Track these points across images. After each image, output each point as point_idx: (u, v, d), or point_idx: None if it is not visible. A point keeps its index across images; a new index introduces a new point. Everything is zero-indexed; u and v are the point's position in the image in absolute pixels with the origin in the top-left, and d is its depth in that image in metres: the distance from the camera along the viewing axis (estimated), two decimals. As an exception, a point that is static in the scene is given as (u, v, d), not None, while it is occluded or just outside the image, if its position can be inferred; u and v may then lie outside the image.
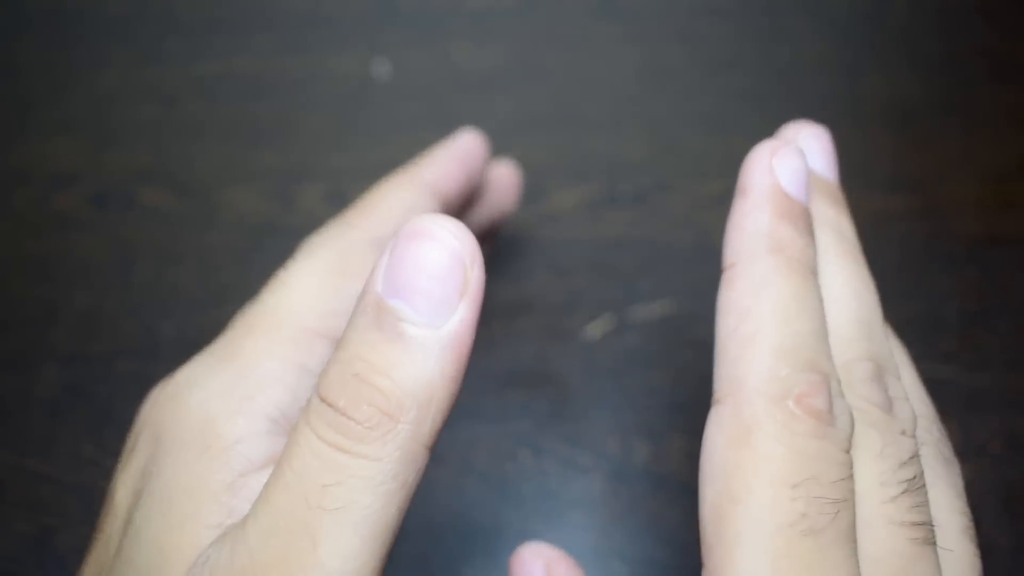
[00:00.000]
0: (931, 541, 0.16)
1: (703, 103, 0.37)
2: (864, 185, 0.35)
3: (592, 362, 0.30)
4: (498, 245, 0.33)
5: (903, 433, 0.17)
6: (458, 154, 0.25)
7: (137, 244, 0.34)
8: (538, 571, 0.21)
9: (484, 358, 0.31)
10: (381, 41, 0.40)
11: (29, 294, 0.33)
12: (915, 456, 0.17)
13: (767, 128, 0.38)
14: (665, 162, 0.36)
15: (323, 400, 0.15)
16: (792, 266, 0.17)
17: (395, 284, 0.15)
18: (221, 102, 0.38)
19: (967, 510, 0.17)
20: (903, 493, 0.16)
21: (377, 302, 0.15)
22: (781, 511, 0.14)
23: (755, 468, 0.15)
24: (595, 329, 0.31)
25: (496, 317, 0.32)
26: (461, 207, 0.26)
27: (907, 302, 0.32)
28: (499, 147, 0.36)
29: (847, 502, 0.15)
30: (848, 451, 0.16)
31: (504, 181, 0.29)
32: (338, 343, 0.16)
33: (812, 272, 0.17)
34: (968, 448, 0.29)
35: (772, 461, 0.15)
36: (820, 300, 0.17)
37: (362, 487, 0.15)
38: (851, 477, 0.15)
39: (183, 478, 0.17)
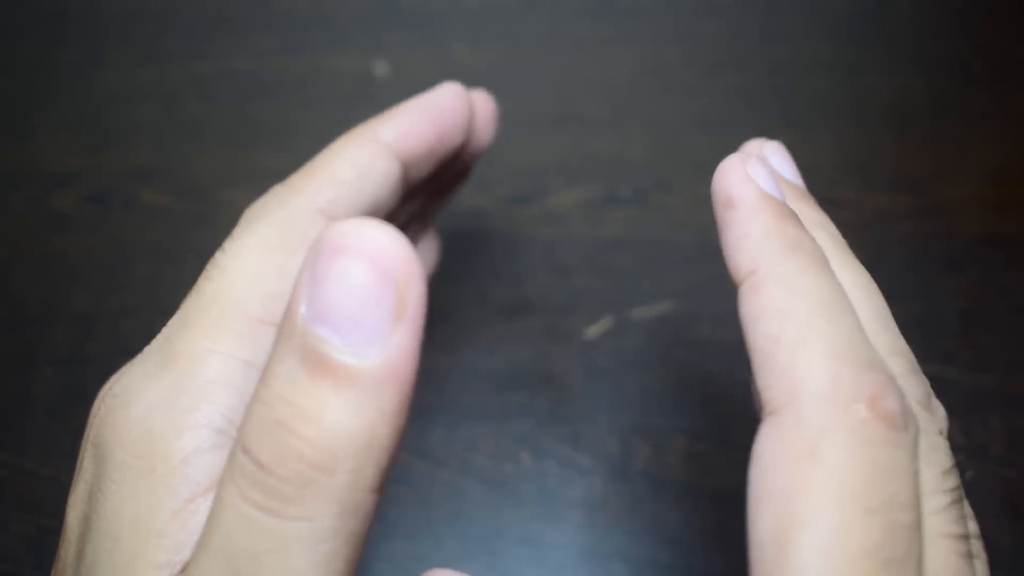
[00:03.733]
0: (973, 554, 0.15)
1: (703, 103, 0.37)
2: (865, 185, 0.35)
3: (592, 362, 0.30)
4: (496, 242, 0.33)
5: (940, 433, 0.16)
6: (428, 109, 0.22)
7: (136, 244, 0.34)
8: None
9: (484, 358, 0.31)
10: (381, 41, 0.40)
11: (28, 294, 0.33)
12: (955, 463, 0.16)
13: (767, 128, 0.38)
14: (665, 162, 0.36)
15: (246, 453, 0.13)
16: (816, 262, 0.16)
17: (319, 308, 0.13)
18: (221, 102, 0.38)
19: (972, 514, 0.16)
20: (952, 503, 0.15)
21: (301, 330, 0.13)
22: (857, 539, 0.13)
23: (826, 487, 0.13)
24: (595, 329, 0.31)
25: (496, 317, 0.32)
26: (436, 172, 0.23)
27: (908, 302, 0.32)
28: (499, 147, 0.36)
29: (919, 525, 0.14)
30: (915, 459, 0.14)
31: (478, 112, 0.25)
32: (262, 374, 0.14)
33: (830, 268, 0.16)
34: (969, 448, 0.29)
35: (845, 478, 0.13)
36: (847, 296, 0.16)
37: (299, 552, 0.13)
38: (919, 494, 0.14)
39: (128, 510, 0.16)
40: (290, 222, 0.19)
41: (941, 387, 0.30)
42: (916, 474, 0.14)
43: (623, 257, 0.33)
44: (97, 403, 0.18)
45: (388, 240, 0.13)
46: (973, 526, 0.16)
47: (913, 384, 0.17)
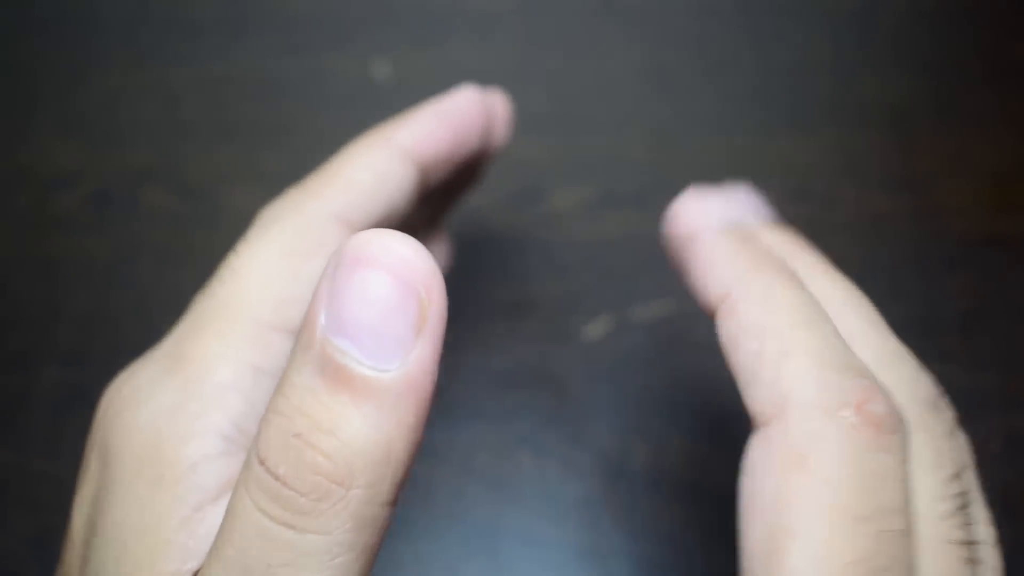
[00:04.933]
0: (979, 560, 0.15)
1: (703, 103, 0.37)
2: (863, 185, 0.35)
3: (592, 362, 0.30)
4: (496, 242, 0.33)
5: (951, 435, 0.16)
6: (448, 113, 0.21)
7: (139, 244, 0.34)
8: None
9: (484, 358, 0.31)
10: (381, 41, 0.40)
11: (30, 294, 0.33)
12: (967, 465, 0.16)
13: (767, 128, 0.38)
14: (665, 162, 0.36)
15: (262, 464, 0.13)
16: (785, 276, 0.16)
17: (338, 320, 0.13)
18: (221, 102, 0.38)
19: (991, 519, 0.16)
20: (957, 509, 0.15)
21: (320, 340, 0.13)
22: (847, 548, 0.13)
23: (816, 496, 0.13)
24: (595, 329, 0.31)
25: (496, 317, 0.32)
26: (454, 177, 0.23)
27: (906, 302, 0.32)
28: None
29: (910, 531, 0.14)
30: (905, 463, 0.14)
31: (494, 114, 0.24)
32: (278, 385, 0.14)
33: (799, 280, 0.17)
34: (968, 448, 0.29)
35: (833, 487, 0.13)
36: (821, 305, 0.16)
37: (313, 564, 0.13)
38: (909, 498, 0.14)
39: (135, 517, 0.15)
40: (305, 226, 0.18)
41: (940, 387, 0.30)
42: (906, 479, 0.14)
43: (623, 257, 0.33)
44: (104, 404, 0.18)
45: (410, 252, 0.13)
46: (984, 531, 0.16)
47: (919, 385, 0.17)
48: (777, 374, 0.15)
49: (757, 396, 0.15)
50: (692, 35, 0.40)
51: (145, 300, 0.32)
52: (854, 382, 0.15)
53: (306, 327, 0.13)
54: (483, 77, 0.38)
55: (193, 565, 0.15)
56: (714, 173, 0.36)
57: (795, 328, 0.15)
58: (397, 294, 0.13)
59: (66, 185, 0.36)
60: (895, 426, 0.14)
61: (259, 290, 0.17)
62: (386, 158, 0.20)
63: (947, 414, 0.17)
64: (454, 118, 0.21)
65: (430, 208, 0.26)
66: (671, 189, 0.36)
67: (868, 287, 0.32)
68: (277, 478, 0.13)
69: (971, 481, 0.16)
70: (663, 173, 0.35)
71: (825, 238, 0.33)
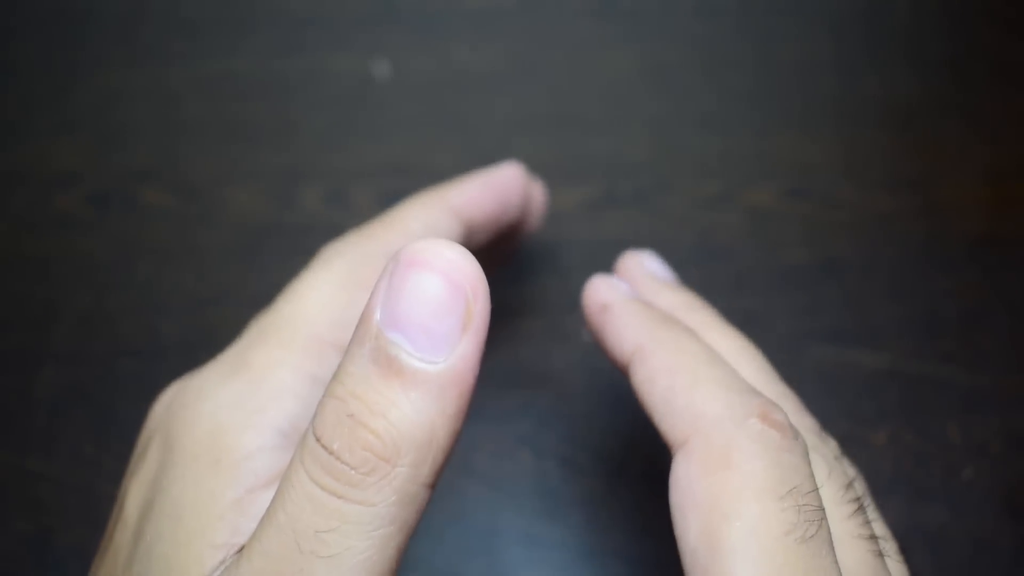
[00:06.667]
0: (885, 553, 0.17)
1: (703, 103, 0.37)
2: (864, 185, 0.35)
3: (592, 362, 0.30)
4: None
5: (836, 458, 0.18)
6: (492, 183, 0.25)
7: (137, 244, 0.34)
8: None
9: (484, 358, 0.30)
10: (381, 41, 0.40)
11: (29, 294, 0.33)
12: (855, 478, 0.18)
13: (767, 128, 0.38)
14: (665, 162, 0.36)
15: (318, 440, 0.14)
16: (686, 330, 0.19)
17: (393, 315, 0.14)
18: (221, 102, 0.38)
19: (880, 519, 0.19)
20: (857, 511, 0.17)
21: (375, 333, 0.14)
22: (775, 521, 0.15)
23: (742, 484, 0.15)
24: (595, 329, 0.31)
25: (496, 317, 0.32)
26: (494, 239, 0.26)
27: (906, 302, 0.32)
28: (499, 147, 0.36)
29: (824, 511, 0.16)
30: (809, 463, 0.16)
31: (533, 197, 0.28)
32: (334, 374, 0.15)
33: (697, 335, 0.19)
34: (968, 448, 0.29)
35: (756, 476, 0.15)
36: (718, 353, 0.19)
37: (357, 533, 0.14)
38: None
39: (191, 494, 0.17)
40: (363, 262, 0.21)
41: (939, 387, 0.30)
42: (812, 475, 0.16)
43: (623, 257, 0.33)
44: (167, 398, 0.19)
45: (460, 257, 0.15)
46: (881, 529, 0.18)
47: (804, 420, 0.19)
48: (689, 399, 0.17)
49: (673, 423, 0.17)
50: (692, 35, 0.40)
51: (144, 300, 0.32)
52: (756, 399, 0.17)
53: (363, 322, 0.15)
54: (483, 77, 0.39)
55: (240, 540, 0.16)
56: (714, 173, 0.36)
57: (700, 365, 0.18)
58: (447, 294, 0.14)
59: (65, 185, 0.35)
60: (796, 433, 0.16)
61: (318, 310, 0.20)
62: (437, 213, 0.23)
63: (832, 442, 0.19)
64: (498, 188, 0.25)
65: None
66: (671, 189, 0.36)
67: (868, 287, 0.32)
68: (331, 452, 0.14)
69: (862, 490, 0.18)
70: (663, 173, 0.35)
71: (825, 237, 0.34)
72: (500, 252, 0.28)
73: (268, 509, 0.15)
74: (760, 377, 0.20)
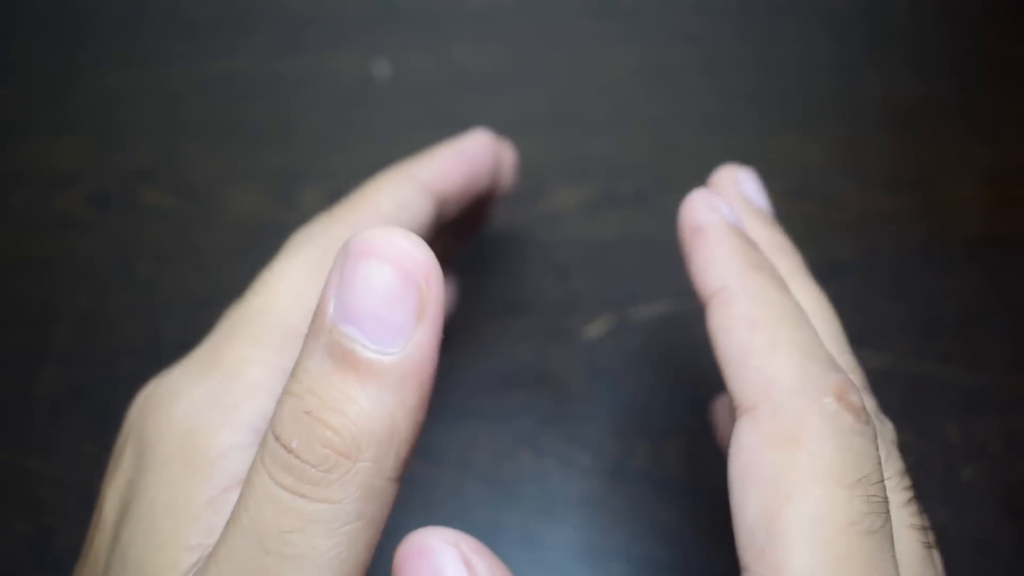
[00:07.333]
0: (934, 544, 0.16)
1: (703, 103, 0.37)
2: (864, 185, 0.35)
3: (592, 362, 0.30)
4: (496, 242, 0.33)
5: (892, 442, 0.18)
6: (462, 154, 0.24)
7: (137, 244, 0.34)
8: (450, 562, 0.16)
9: (484, 358, 0.31)
10: (381, 41, 0.40)
11: (29, 294, 0.33)
12: (907, 466, 0.18)
13: (767, 128, 0.38)
14: (665, 162, 0.36)
15: (277, 439, 0.14)
16: (777, 280, 0.18)
17: (345, 308, 0.14)
18: (221, 102, 0.38)
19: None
20: (911, 499, 0.16)
21: (329, 327, 0.14)
22: (841, 510, 0.14)
23: (810, 466, 0.15)
24: (595, 329, 0.31)
25: (496, 317, 0.32)
26: (466, 210, 0.25)
27: (907, 302, 0.32)
28: (499, 147, 0.36)
29: (888, 503, 0.15)
30: (879, 449, 0.16)
31: (503, 160, 0.27)
32: (292, 370, 0.15)
33: (788, 287, 0.18)
34: (968, 448, 0.29)
35: (825, 459, 0.15)
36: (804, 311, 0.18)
37: (322, 531, 0.14)
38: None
39: (166, 496, 0.17)
40: (333, 247, 0.20)
41: (940, 387, 0.30)
42: (880, 464, 0.15)
43: (623, 257, 0.33)
44: (140, 400, 0.19)
45: (410, 245, 0.14)
46: (927, 521, 0.17)
47: (868, 400, 0.18)
48: (764, 362, 0.16)
49: (744, 384, 0.16)
50: (692, 35, 0.40)
51: (144, 300, 0.32)
52: (835, 375, 0.16)
53: (317, 315, 0.14)
54: (483, 77, 0.39)
55: (215, 541, 0.16)
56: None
57: (783, 324, 0.17)
58: (399, 283, 0.14)
59: (65, 185, 0.35)
60: (868, 417, 0.16)
61: (289, 301, 0.19)
62: (407, 190, 0.22)
63: (889, 425, 0.19)
64: (468, 158, 0.24)
65: (442, 246, 0.27)
66: (671, 189, 0.36)
67: (869, 287, 0.32)
68: (290, 451, 0.14)
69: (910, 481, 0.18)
70: (663, 173, 0.35)
71: (826, 237, 0.34)
72: (474, 219, 0.28)
73: (232, 511, 0.14)
74: (833, 346, 0.19)
